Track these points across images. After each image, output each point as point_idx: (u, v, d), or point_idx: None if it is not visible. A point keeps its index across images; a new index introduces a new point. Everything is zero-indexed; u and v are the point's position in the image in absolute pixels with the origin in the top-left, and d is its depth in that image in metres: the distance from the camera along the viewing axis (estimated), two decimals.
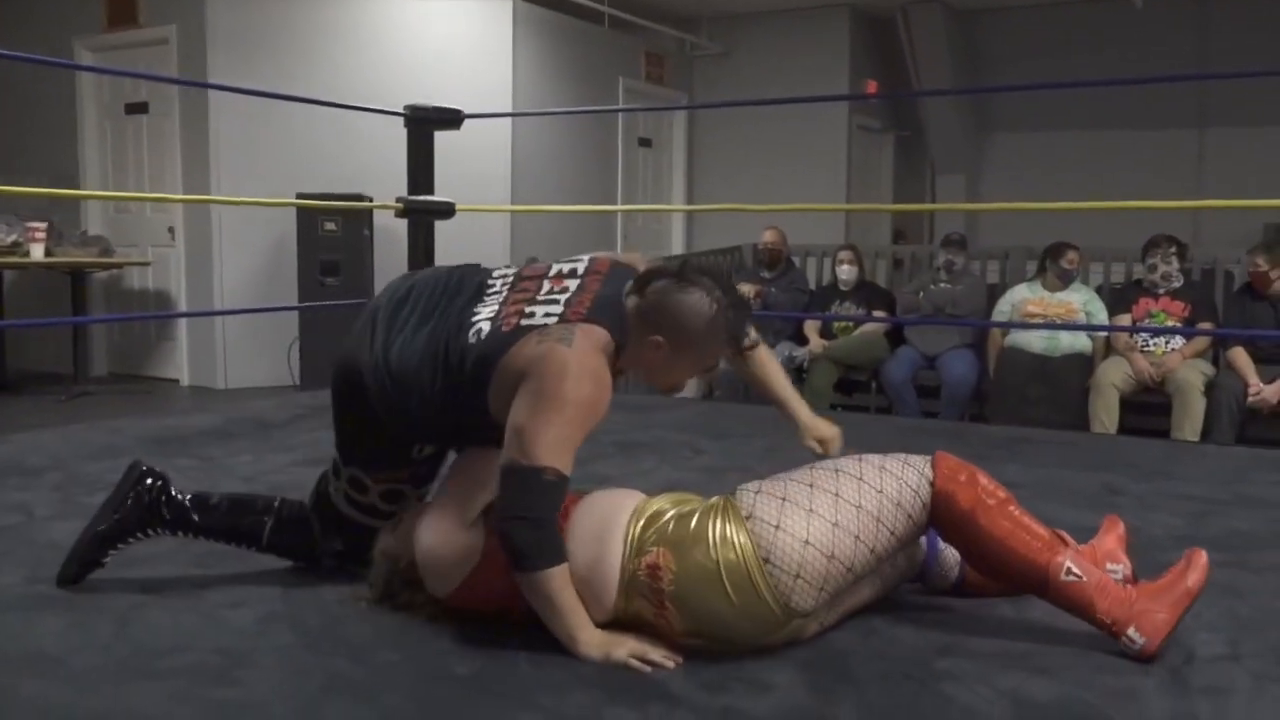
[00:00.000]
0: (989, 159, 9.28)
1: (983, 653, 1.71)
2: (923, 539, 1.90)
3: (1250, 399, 4.50)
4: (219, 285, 6.40)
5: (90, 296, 6.54)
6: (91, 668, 1.65)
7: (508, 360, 1.70)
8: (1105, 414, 4.66)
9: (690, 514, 1.70)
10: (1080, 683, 1.60)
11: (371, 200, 5.65)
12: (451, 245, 4.93)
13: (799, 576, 1.62)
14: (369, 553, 1.91)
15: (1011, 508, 1.72)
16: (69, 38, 6.70)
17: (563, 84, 7.24)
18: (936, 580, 1.95)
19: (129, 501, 2.00)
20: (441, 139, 4.49)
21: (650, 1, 7.96)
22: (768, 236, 5.97)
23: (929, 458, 1.75)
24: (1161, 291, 4.86)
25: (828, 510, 1.67)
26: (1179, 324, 4.77)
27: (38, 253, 5.78)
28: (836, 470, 1.74)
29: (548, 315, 1.75)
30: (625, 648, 1.65)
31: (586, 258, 1.91)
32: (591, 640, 1.66)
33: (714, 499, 1.74)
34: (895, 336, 5.57)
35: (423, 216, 4.50)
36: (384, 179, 5.23)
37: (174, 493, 2.03)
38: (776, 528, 1.64)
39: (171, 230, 6.62)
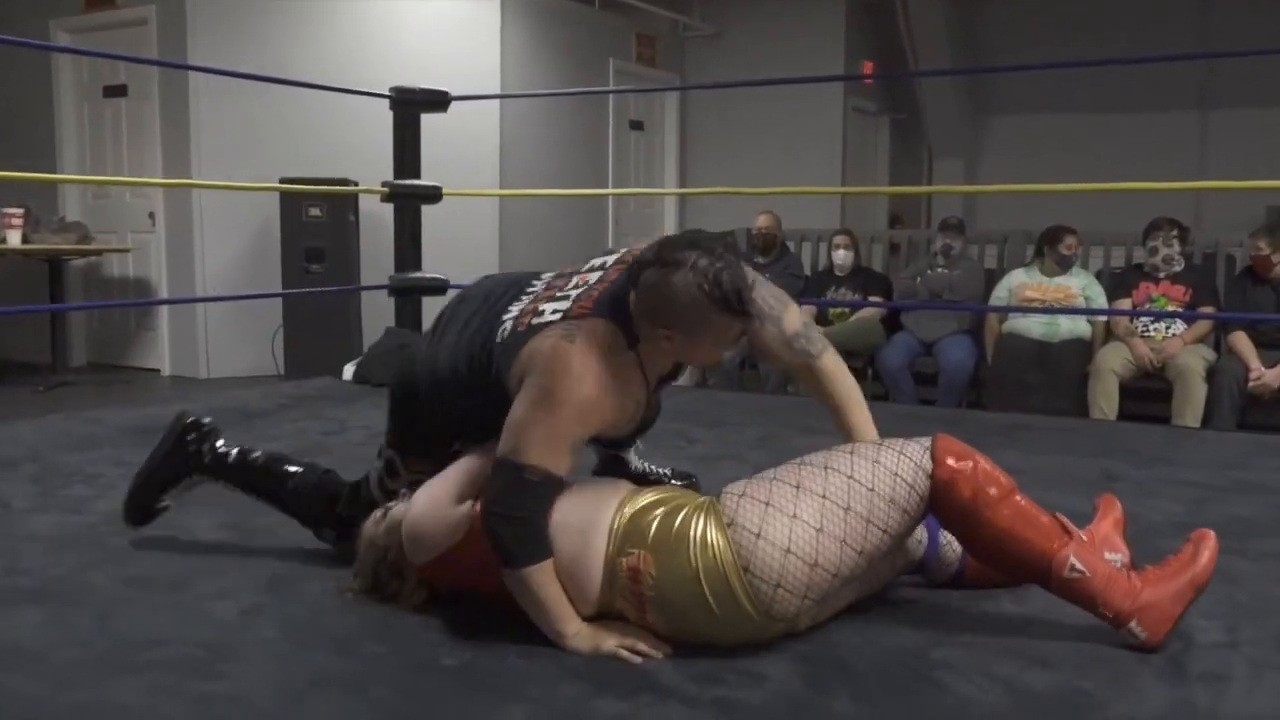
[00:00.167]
0: (987, 142, 9.20)
1: (980, 642, 1.70)
2: (924, 531, 1.86)
3: (1251, 384, 4.46)
4: (200, 272, 6.29)
5: (68, 284, 6.46)
6: (71, 661, 1.63)
7: (518, 359, 1.72)
8: (1105, 400, 4.61)
9: (676, 512, 1.66)
10: (1078, 671, 1.59)
11: (357, 185, 5.54)
12: (439, 231, 4.83)
13: (779, 586, 1.59)
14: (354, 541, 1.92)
15: (1015, 497, 1.67)
16: (45, 19, 6.58)
17: (552, 65, 7.12)
18: (936, 573, 1.92)
19: (172, 447, 2.13)
20: (428, 122, 4.41)
21: None
22: (762, 221, 5.91)
23: (927, 446, 1.68)
24: (1162, 275, 4.80)
25: (812, 515, 1.62)
26: (1180, 308, 4.72)
27: (14, 239, 5.74)
28: (826, 468, 1.68)
29: (555, 312, 1.75)
30: (614, 638, 1.65)
31: (624, 248, 1.90)
32: (579, 633, 1.66)
33: (701, 499, 1.70)
34: (892, 322, 5.51)
35: (409, 201, 4.46)
36: (369, 163, 5.14)
37: (219, 444, 2.15)
38: (758, 536, 1.60)
39: (152, 216, 6.51)
